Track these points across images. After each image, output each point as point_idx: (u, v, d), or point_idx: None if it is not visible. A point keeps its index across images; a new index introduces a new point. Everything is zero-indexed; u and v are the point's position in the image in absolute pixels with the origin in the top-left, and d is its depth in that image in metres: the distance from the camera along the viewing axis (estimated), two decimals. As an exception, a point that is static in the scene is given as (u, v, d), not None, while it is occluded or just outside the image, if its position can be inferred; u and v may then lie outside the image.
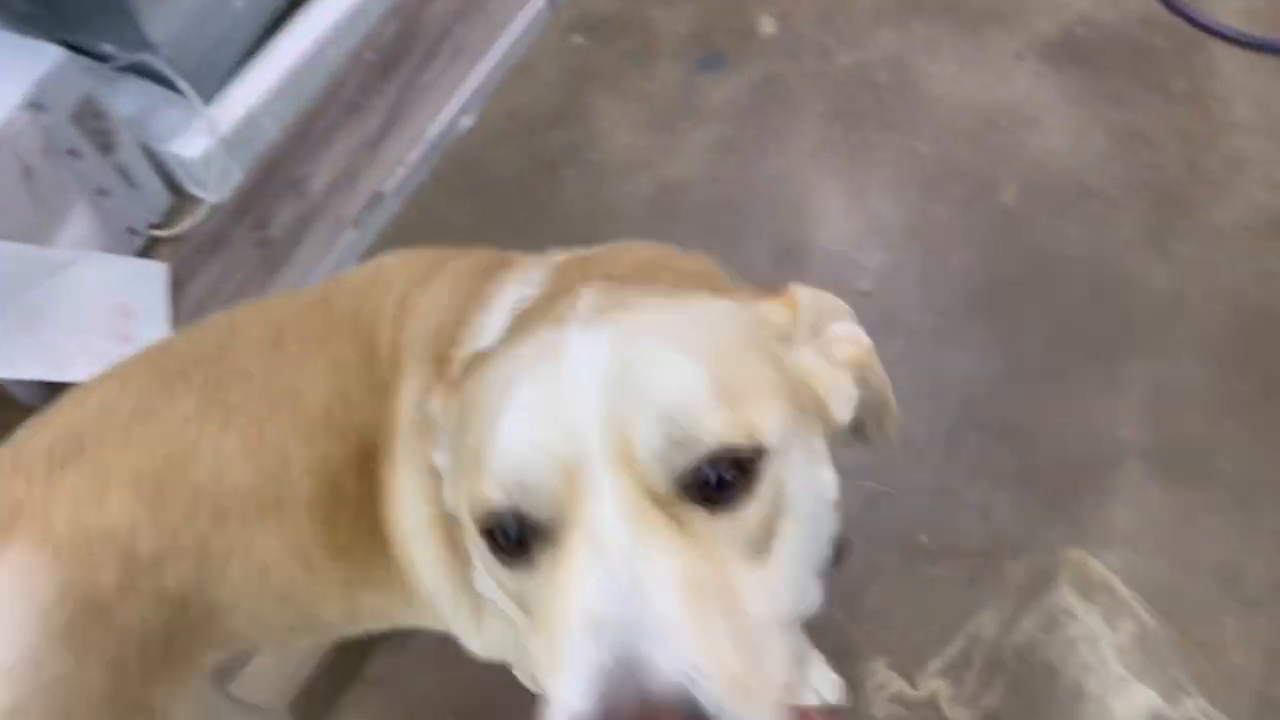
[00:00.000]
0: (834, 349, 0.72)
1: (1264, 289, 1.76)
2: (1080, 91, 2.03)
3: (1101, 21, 2.12)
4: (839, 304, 0.76)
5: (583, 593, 0.54)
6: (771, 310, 0.70)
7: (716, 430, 0.57)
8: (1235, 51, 2.06)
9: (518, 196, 1.99)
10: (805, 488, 0.63)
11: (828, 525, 0.66)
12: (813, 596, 0.64)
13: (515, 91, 2.14)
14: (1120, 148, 1.91)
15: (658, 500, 0.56)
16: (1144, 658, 1.50)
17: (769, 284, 0.80)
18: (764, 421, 0.59)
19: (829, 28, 2.17)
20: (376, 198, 1.97)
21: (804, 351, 0.71)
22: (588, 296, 0.68)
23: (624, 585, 0.53)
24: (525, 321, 0.76)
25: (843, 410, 0.71)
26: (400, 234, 1.97)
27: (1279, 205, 1.87)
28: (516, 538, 0.59)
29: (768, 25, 2.20)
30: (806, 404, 0.67)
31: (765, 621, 0.56)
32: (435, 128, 2.06)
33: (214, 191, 1.88)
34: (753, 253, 1.88)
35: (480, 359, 0.71)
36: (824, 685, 1.49)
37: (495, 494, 0.58)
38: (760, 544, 0.58)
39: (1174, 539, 1.55)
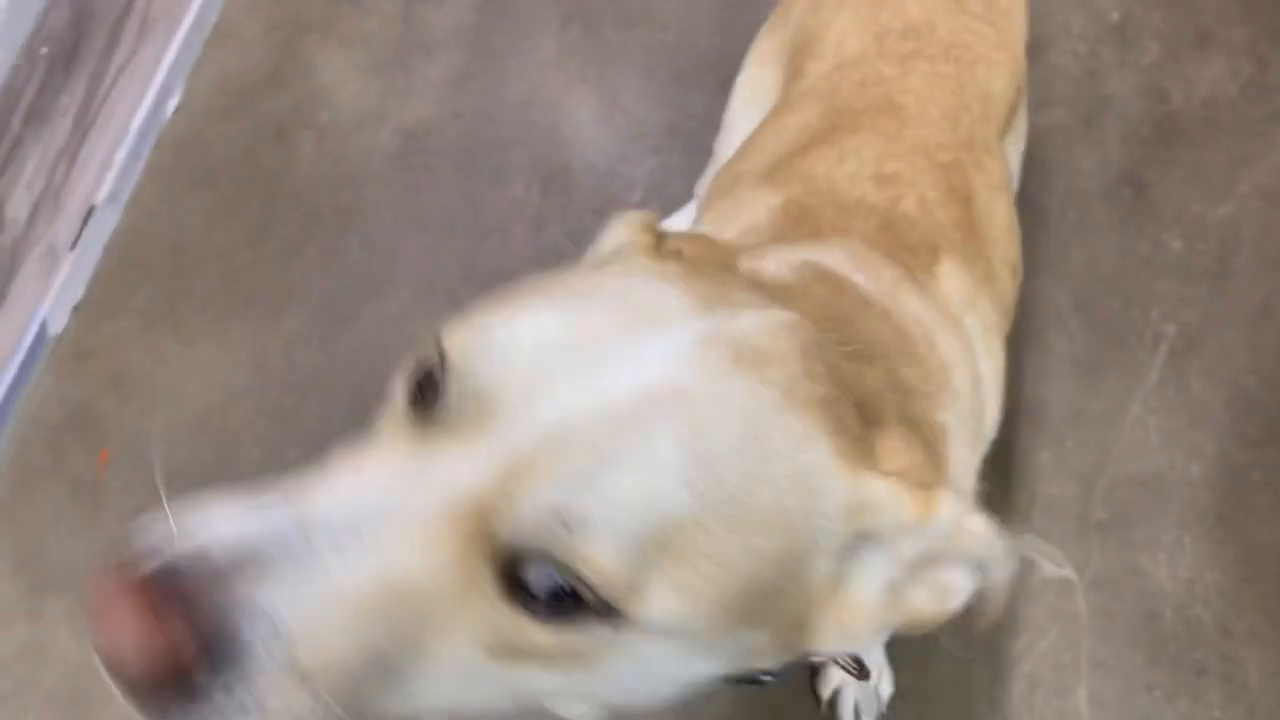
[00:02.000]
0: (913, 589, 0.57)
1: (1017, 121, 1.79)
2: None
3: None
4: (978, 546, 0.58)
5: (351, 480, 0.51)
6: (889, 503, 0.54)
7: (596, 566, 0.47)
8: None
9: (250, 176, 1.85)
10: (628, 677, 0.52)
11: (646, 702, 0.54)
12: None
13: (220, 58, 1.98)
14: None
15: (482, 530, 0.48)
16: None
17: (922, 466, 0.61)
18: (660, 599, 0.48)
19: (544, -74, 2.05)
20: (90, 212, 1.78)
21: (872, 571, 0.56)
22: (752, 319, 0.55)
23: (364, 513, 0.49)
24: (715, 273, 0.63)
25: (826, 649, 0.57)
26: (129, 245, 1.84)
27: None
28: (420, 395, 0.55)
29: (480, -66, 2.05)
30: (774, 616, 0.53)
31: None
32: (138, 117, 1.89)
33: (-108, 247, 1.65)
34: (516, 187, 1.82)
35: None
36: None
37: (453, 339, 0.54)
38: (516, 657, 0.50)
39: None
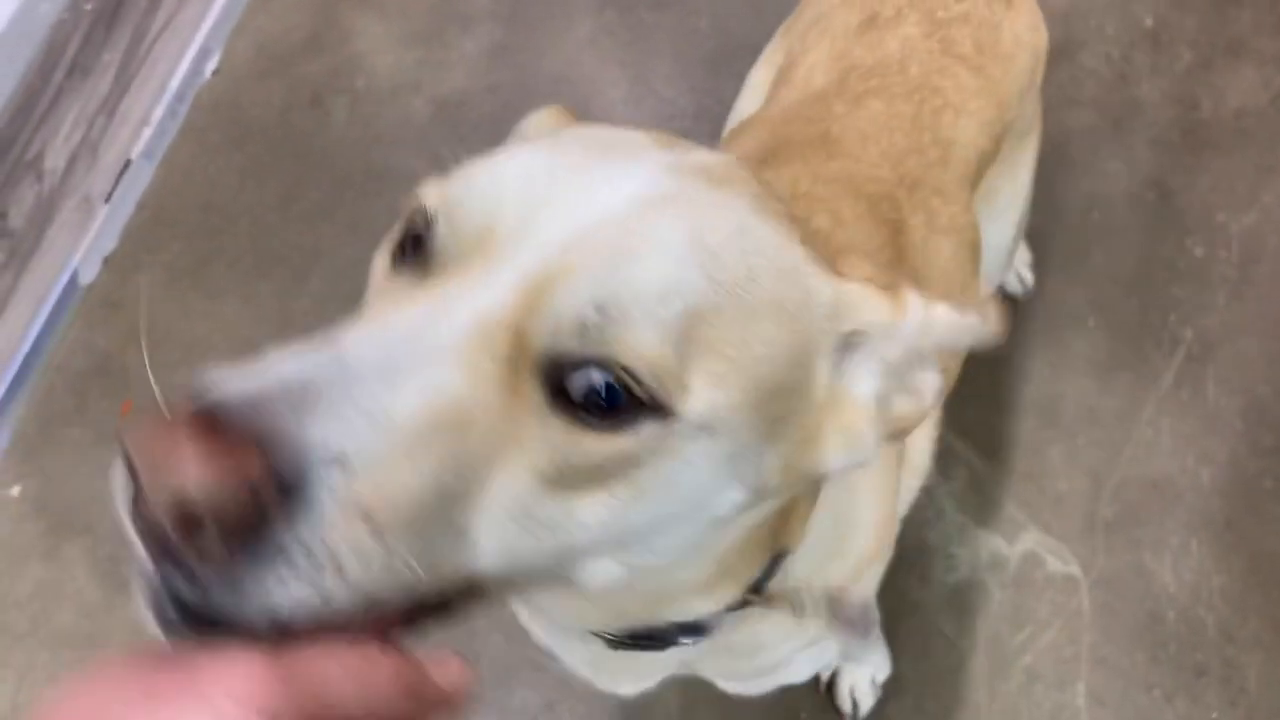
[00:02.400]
0: (895, 398, 0.59)
1: (1044, 120, 1.79)
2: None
3: None
4: (954, 329, 0.58)
5: (374, 323, 0.48)
6: (863, 301, 0.56)
7: (637, 352, 0.47)
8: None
9: (283, 138, 1.88)
10: (675, 486, 0.51)
11: (677, 537, 0.55)
12: (580, 567, 0.53)
13: (260, 21, 2.01)
14: None
15: (518, 344, 0.47)
16: (979, 500, 1.55)
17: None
18: (700, 390, 0.49)
19: (586, -93, 2.07)
20: (126, 166, 1.81)
21: (862, 375, 0.57)
22: (725, 157, 0.60)
23: (397, 352, 0.45)
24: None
25: (834, 464, 0.58)
26: (161, 201, 1.86)
27: (1051, 33, 1.90)
28: (409, 253, 0.55)
29: (522, -88, 2.08)
30: (783, 414, 0.54)
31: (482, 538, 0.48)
32: (177, 77, 1.91)
33: (-67, 188, 1.69)
34: (543, 161, 1.80)
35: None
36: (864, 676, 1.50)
37: (430, 198, 0.54)
38: (569, 485, 0.48)
39: (992, 382, 1.60)
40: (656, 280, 0.48)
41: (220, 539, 0.38)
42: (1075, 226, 1.79)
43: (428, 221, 0.53)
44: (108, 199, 1.87)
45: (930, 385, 0.59)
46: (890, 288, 0.57)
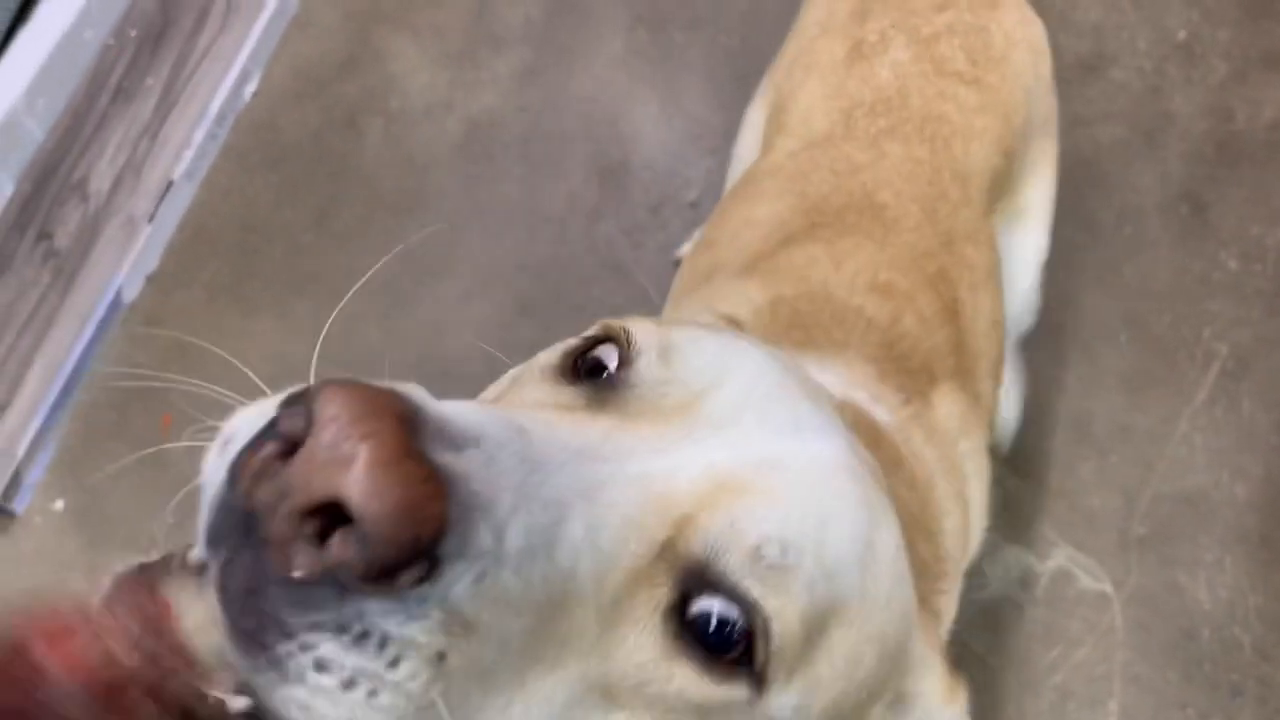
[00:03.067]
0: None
1: (1076, 134, 1.79)
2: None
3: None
4: None
5: (584, 432, 0.45)
6: (931, 676, 0.59)
7: (783, 610, 0.45)
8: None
9: (319, 159, 1.91)
10: None
11: None
12: None
13: (297, 45, 2.06)
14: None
15: (667, 538, 0.44)
16: (1010, 517, 1.55)
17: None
18: (795, 687, 0.47)
19: (617, -72, 2.10)
20: (168, 187, 1.86)
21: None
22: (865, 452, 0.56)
23: (600, 476, 0.43)
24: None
25: None
26: (201, 221, 1.91)
27: (1082, 48, 1.90)
28: (588, 368, 0.54)
29: (553, -65, 2.11)
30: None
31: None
32: (218, 100, 1.96)
33: (-17, 211, 1.75)
34: (575, 179, 1.86)
35: None
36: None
37: (650, 332, 0.54)
38: (621, 701, 0.44)
39: (1026, 399, 1.60)
40: (836, 553, 0.46)
41: (357, 569, 0.34)
42: (1107, 241, 1.79)
43: (628, 356, 0.51)
44: (150, 219, 1.92)
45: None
46: (953, 681, 0.59)
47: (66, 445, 1.79)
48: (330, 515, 0.34)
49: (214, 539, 0.38)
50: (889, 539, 0.51)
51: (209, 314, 1.88)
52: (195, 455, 1.67)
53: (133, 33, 2.12)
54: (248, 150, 2.03)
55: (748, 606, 0.44)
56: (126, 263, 1.89)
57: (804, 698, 0.47)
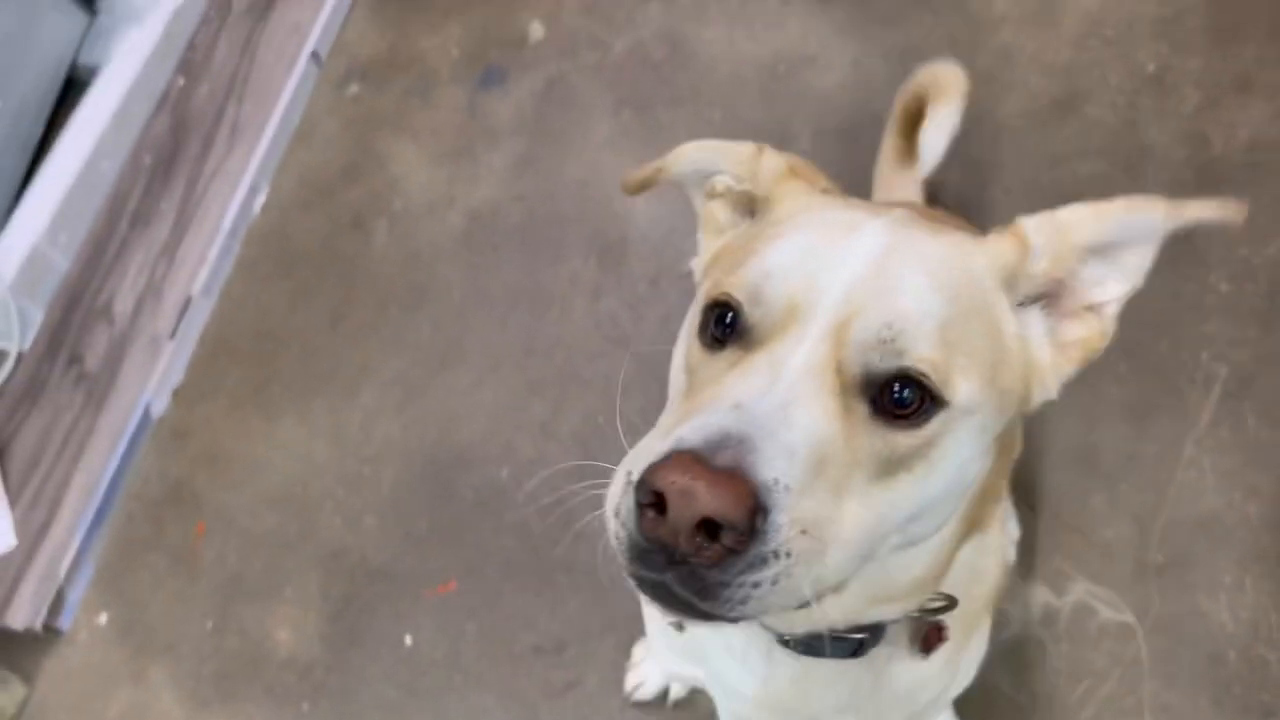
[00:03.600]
0: (1069, 326, 0.76)
1: (1056, 172, 1.83)
2: (849, 21, 2.11)
3: (853, -51, 2.18)
4: (1101, 223, 0.76)
5: (742, 384, 0.64)
6: (1001, 251, 0.74)
7: (922, 357, 0.66)
8: (982, -52, 2.13)
9: (329, 263, 2.00)
10: (954, 458, 0.69)
11: (947, 506, 0.73)
12: (884, 550, 0.71)
13: (302, 156, 2.16)
14: (897, 68, 1.99)
15: (841, 376, 0.66)
16: (1025, 554, 1.56)
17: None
18: (959, 383, 0.67)
19: (597, 17, 2.22)
20: (187, 303, 1.95)
21: (1033, 320, 0.75)
22: (900, 211, 0.76)
23: (775, 401, 0.63)
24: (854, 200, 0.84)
25: (1046, 395, 0.76)
26: (220, 332, 2.00)
27: (1055, 88, 1.95)
28: (723, 329, 0.71)
29: (537, 30, 2.23)
30: (1007, 385, 0.72)
31: (846, 529, 0.65)
32: (229, 216, 2.06)
33: (16, 340, 1.84)
34: (575, 260, 1.93)
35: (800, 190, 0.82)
36: (1007, 540, 1.56)
37: (735, 290, 0.70)
38: (887, 473, 0.67)
39: (1027, 433, 1.62)
40: (914, 306, 0.67)
41: (730, 545, 0.58)
42: (1097, 274, 1.82)
43: (734, 309, 0.70)
44: (172, 335, 2.01)
45: (1098, 288, 0.76)
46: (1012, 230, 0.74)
47: (106, 560, 1.85)
48: (703, 529, 0.58)
49: (639, 565, 0.62)
50: (970, 248, 0.73)
51: (233, 421, 1.95)
52: (227, 559, 1.75)
53: (146, 159, 2.23)
54: (260, 260, 2.12)
55: (904, 376, 0.66)
56: (153, 379, 1.97)
57: (969, 384, 0.67)
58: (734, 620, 0.63)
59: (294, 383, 1.96)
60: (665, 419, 0.73)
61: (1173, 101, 1.97)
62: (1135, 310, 1.78)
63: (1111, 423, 1.71)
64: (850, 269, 0.68)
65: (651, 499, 0.59)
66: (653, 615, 1.09)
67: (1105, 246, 0.76)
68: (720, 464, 0.59)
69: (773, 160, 0.82)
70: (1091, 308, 0.76)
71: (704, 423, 0.61)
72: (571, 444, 1.82)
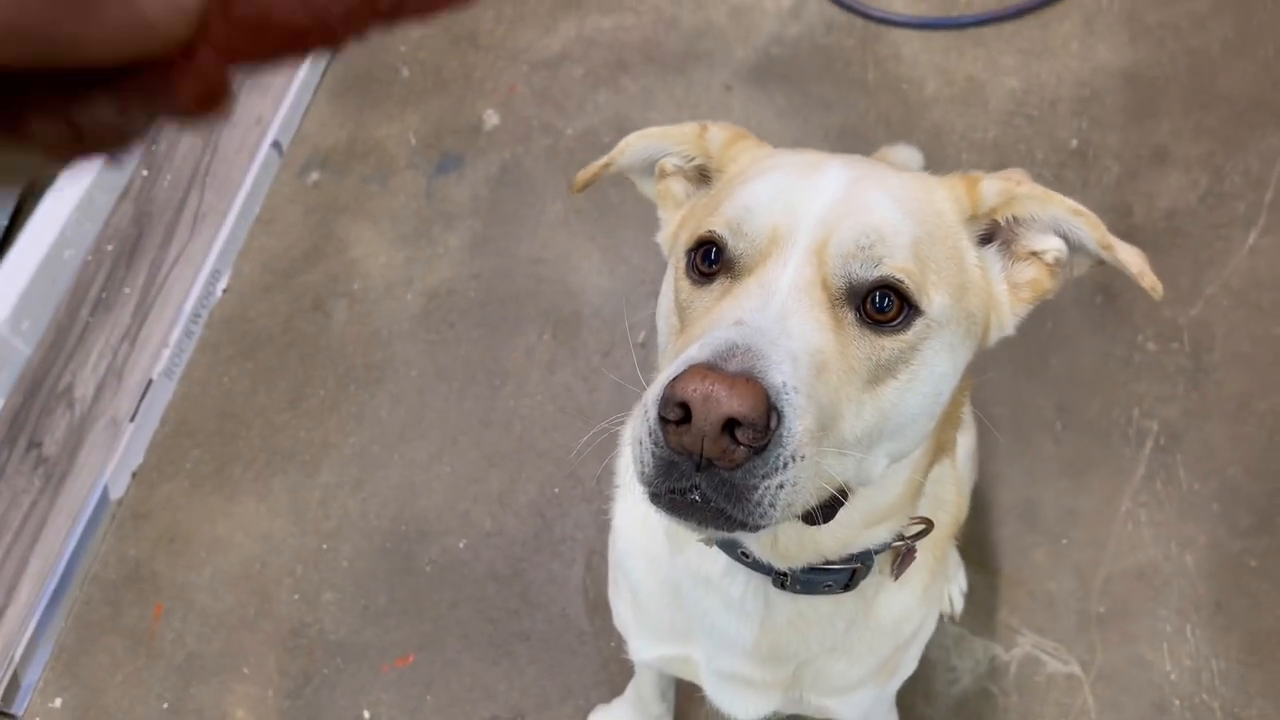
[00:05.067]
0: (1020, 268, 0.82)
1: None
2: (789, 105, 2.19)
3: (790, 37, 2.30)
4: (1044, 207, 0.81)
5: (738, 304, 0.70)
6: (956, 189, 0.81)
7: (899, 265, 0.72)
8: (911, 34, 2.26)
9: (289, 344, 2.02)
10: (932, 367, 0.75)
11: (926, 420, 0.78)
12: (878, 466, 0.77)
13: (263, 241, 2.20)
14: (836, 147, 2.06)
15: (827, 291, 0.72)
16: (972, 609, 1.60)
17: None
18: (933, 294, 0.74)
19: (549, 105, 2.29)
20: (148, 386, 1.97)
21: (991, 258, 0.82)
22: (854, 156, 0.85)
23: (772, 315, 0.69)
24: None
25: (1003, 330, 0.83)
26: (182, 413, 2.01)
27: (986, 163, 2.04)
28: (709, 264, 0.76)
29: (492, 118, 2.31)
30: (972, 308, 0.79)
31: (847, 429, 0.71)
32: (191, 299, 2.09)
33: (-27, 427, 1.84)
34: (530, 335, 1.97)
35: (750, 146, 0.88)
36: (955, 590, 1.66)
37: (717, 226, 0.76)
38: (875, 379, 0.73)
39: (973, 492, 1.67)
40: (886, 220, 0.73)
41: (749, 441, 0.63)
42: (1032, 337, 1.89)
43: (717, 245, 0.76)
44: (133, 418, 2.02)
45: (1045, 252, 0.82)
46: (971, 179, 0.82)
47: (63, 643, 1.84)
48: (727, 431, 0.63)
49: (663, 477, 0.66)
50: (930, 184, 0.81)
51: (193, 501, 1.96)
52: (185, 641, 1.75)
53: (109, 247, 2.27)
54: (222, 342, 2.15)
55: (883, 284, 0.72)
56: (112, 462, 1.98)
57: (941, 297, 0.74)
58: (760, 527, 0.67)
59: (254, 461, 1.97)
60: (664, 360, 0.79)
61: (1095, 173, 2.07)
62: (1069, 370, 1.85)
63: (1050, 480, 1.76)
64: (823, 195, 0.74)
65: (676, 413, 0.63)
66: (634, 605, 1.11)
67: (1046, 225, 0.82)
68: (734, 369, 0.63)
69: (718, 132, 0.88)
70: (1035, 254, 0.82)
71: (710, 338, 0.66)
72: (528, 514, 1.84)
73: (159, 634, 1.83)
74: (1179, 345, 1.85)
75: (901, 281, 0.72)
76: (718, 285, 0.75)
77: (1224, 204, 1.99)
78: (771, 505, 0.65)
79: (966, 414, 1.29)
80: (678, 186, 0.92)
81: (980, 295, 0.80)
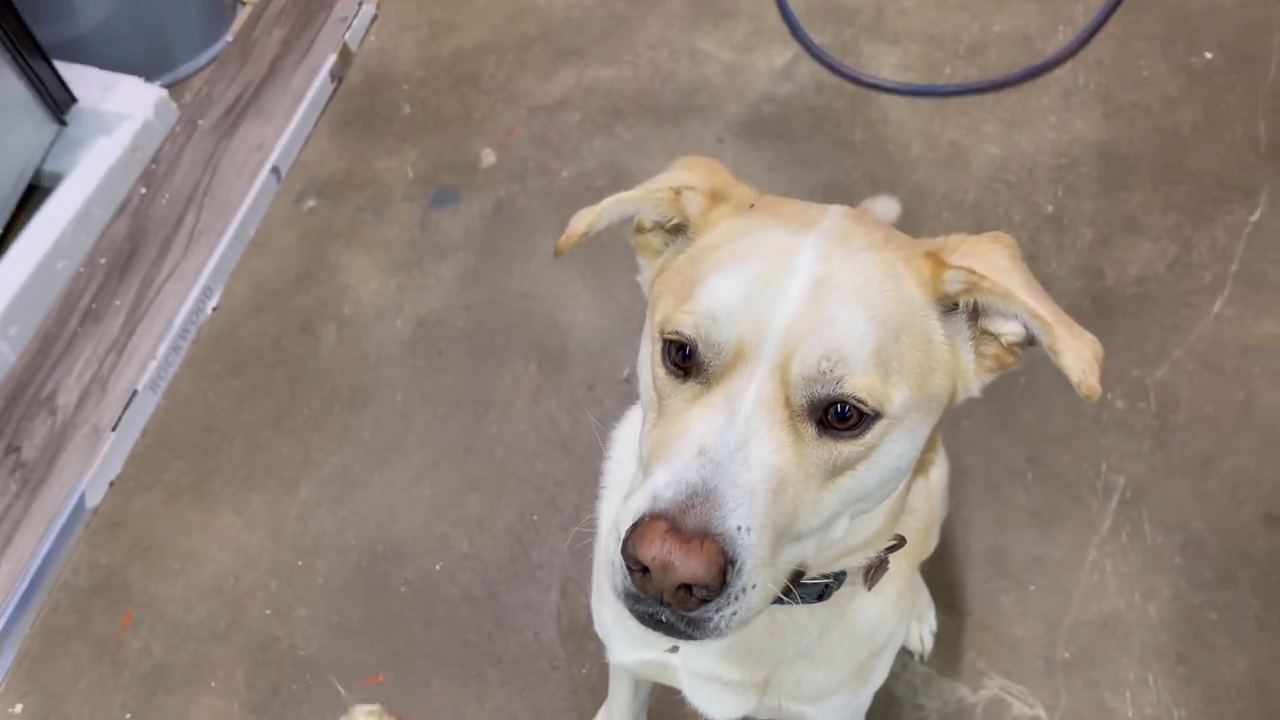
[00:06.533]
0: (984, 341, 0.83)
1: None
2: (778, 160, 2.25)
3: (782, 96, 2.37)
4: (1007, 301, 0.80)
5: (703, 426, 0.74)
6: (922, 272, 0.81)
7: (859, 383, 0.74)
8: (898, 100, 2.33)
9: (277, 364, 2.04)
10: (892, 454, 0.79)
11: (887, 487, 0.83)
12: (839, 529, 0.82)
13: (256, 263, 2.22)
14: (822, 201, 2.10)
15: (789, 408, 0.75)
16: (940, 651, 1.61)
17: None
18: (894, 396, 0.76)
19: (545, 147, 2.35)
20: (132, 397, 1.97)
21: (959, 326, 0.83)
22: (835, 216, 0.83)
23: (734, 440, 0.73)
24: (779, 206, 0.88)
25: (969, 393, 0.85)
26: (164, 426, 2.00)
27: (965, 224, 2.11)
28: (683, 358, 0.79)
29: (489, 156, 2.36)
30: (936, 389, 0.81)
31: (804, 526, 0.76)
32: (181, 315, 2.11)
33: (-46, 427, 1.83)
34: (517, 366, 2.00)
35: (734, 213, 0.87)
36: (925, 629, 1.68)
37: (685, 325, 0.78)
38: (833, 475, 0.77)
39: (944, 537, 1.69)
40: (849, 336, 0.74)
41: (704, 596, 0.70)
42: (1006, 390, 1.93)
43: (688, 346, 0.78)
44: (114, 427, 2.01)
45: (1006, 328, 0.82)
46: (935, 254, 0.82)
47: (27, 649, 1.81)
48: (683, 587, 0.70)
49: (632, 600, 0.74)
50: (899, 270, 0.80)
51: (170, 513, 1.94)
52: (152, 650, 1.74)
53: (102, 260, 2.28)
54: (209, 359, 2.15)
55: (842, 400, 0.75)
56: (90, 470, 1.96)
57: (901, 395, 0.76)
58: (724, 636, 0.74)
59: (235, 476, 1.96)
60: (644, 435, 0.83)
61: (1069, 238, 2.14)
62: (1041, 424, 1.89)
63: (1020, 528, 1.79)
64: (787, 305, 0.75)
65: (639, 566, 0.71)
66: (616, 609, 1.12)
67: (1007, 313, 0.82)
68: (690, 526, 0.70)
69: (694, 199, 0.88)
70: (996, 335, 0.82)
71: (674, 478, 0.72)
72: (506, 540, 1.85)
73: (126, 643, 1.80)
74: (1146, 405, 1.90)
75: (862, 401, 0.75)
76: (690, 387, 0.79)
77: (1191, 273, 2.06)
78: (728, 625, 0.73)
79: (940, 452, 1.32)
80: (655, 239, 0.93)
81: (946, 370, 0.81)
